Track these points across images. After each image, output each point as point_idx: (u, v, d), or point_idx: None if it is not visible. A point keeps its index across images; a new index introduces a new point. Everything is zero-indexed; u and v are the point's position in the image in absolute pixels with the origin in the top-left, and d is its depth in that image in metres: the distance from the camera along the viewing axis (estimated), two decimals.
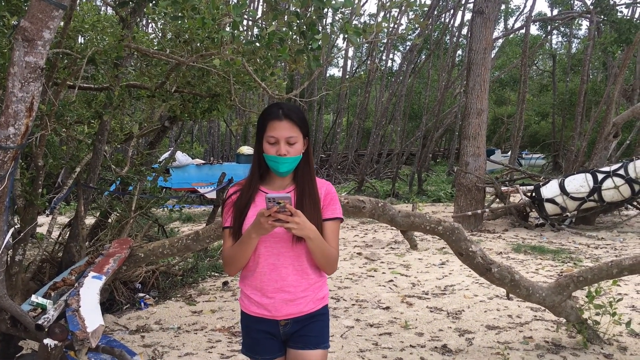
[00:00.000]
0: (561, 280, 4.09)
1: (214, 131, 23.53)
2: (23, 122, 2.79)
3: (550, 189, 9.66)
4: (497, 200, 11.06)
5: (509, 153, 20.18)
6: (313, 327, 2.12)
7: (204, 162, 15.16)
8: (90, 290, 3.22)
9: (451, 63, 22.09)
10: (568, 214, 9.70)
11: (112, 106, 4.29)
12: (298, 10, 3.11)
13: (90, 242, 5.03)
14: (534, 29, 32.82)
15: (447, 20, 23.25)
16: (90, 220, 5.87)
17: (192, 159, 14.95)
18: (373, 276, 6.53)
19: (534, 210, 10.19)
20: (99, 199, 5.57)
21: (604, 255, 7.74)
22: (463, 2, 20.87)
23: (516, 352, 4.08)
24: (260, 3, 20.37)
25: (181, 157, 13.95)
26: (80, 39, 4.41)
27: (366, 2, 20.96)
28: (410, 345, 4.24)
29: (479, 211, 10.11)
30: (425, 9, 19.40)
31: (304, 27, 3.08)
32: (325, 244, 2.01)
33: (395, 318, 4.93)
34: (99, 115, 4.34)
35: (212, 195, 9.95)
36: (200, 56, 4.09)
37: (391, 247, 8.33)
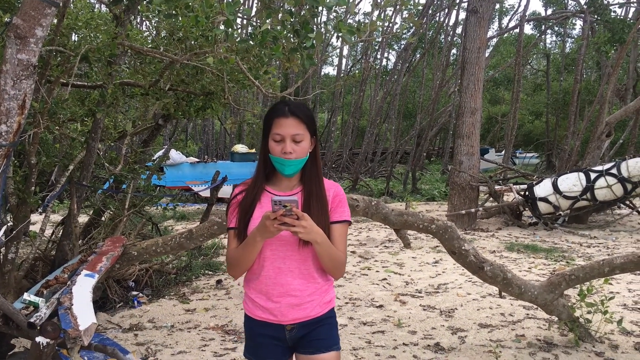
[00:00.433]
0: (553, 279, 4.12)
1: (208, 129, 23.50)
2: (15, 120, 2.78)
3: (543, 188, 9.70)
4: (491, 199, 11.10)
5: (503, 152, 20.28)
6: (322, 331, 2.07)
7: (198, 160, 15.12)
8: (83, 288, 3.21)
9: (445, 62, 22.19)
10: (561, 212, 9.75)
11: (106, 104, 4.27)
12: (292, 8, 3.11)
13: (83, 240, 5.02)
14: (528, 29, 33.04)
15: (441, 19, 23.33)
16: (83, 219, 5.85)
17: (186, 157, 14.90)
18: (367, 274, 6.54)
19: (527, 209, 10.23)
20: (92, 197, 5.55)
21: (596, 253, 7.78)
22: (457, 1, 20.95)
23: (508, 350, 4.10)
24: (254, 1, 20.35)
25: (175, 155, 13.90)
26: (74, 37, 4.39)
27: (361, 0, 20.95)
28: (403, 344, 4.25)
29: (473, 210, 10.14)
30: (420, 7, 19.46)
31: (298, 25, 3.08)
32: (333, 248, 1.95)
33: (388, 316, 4.94)
34: (93, 113, 4.33)
35: (206, 193, 9.94)
36: (194, 54, 4.08)
37: (385, 246, 8.34)
